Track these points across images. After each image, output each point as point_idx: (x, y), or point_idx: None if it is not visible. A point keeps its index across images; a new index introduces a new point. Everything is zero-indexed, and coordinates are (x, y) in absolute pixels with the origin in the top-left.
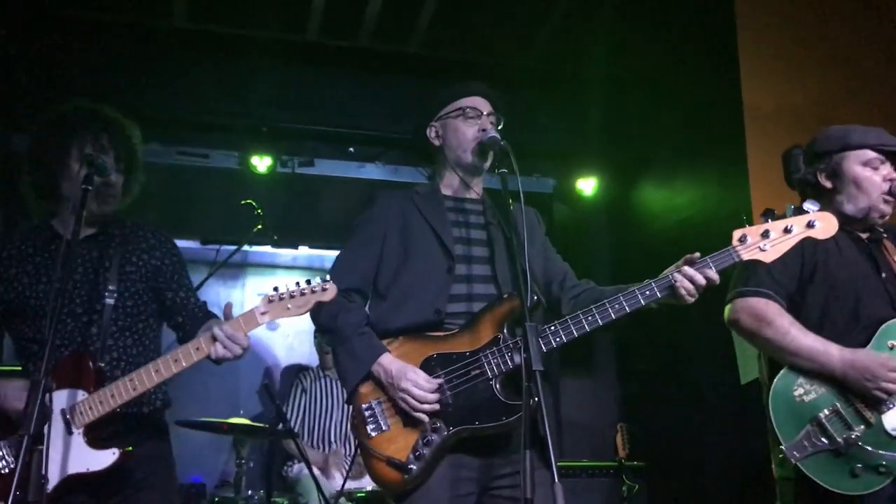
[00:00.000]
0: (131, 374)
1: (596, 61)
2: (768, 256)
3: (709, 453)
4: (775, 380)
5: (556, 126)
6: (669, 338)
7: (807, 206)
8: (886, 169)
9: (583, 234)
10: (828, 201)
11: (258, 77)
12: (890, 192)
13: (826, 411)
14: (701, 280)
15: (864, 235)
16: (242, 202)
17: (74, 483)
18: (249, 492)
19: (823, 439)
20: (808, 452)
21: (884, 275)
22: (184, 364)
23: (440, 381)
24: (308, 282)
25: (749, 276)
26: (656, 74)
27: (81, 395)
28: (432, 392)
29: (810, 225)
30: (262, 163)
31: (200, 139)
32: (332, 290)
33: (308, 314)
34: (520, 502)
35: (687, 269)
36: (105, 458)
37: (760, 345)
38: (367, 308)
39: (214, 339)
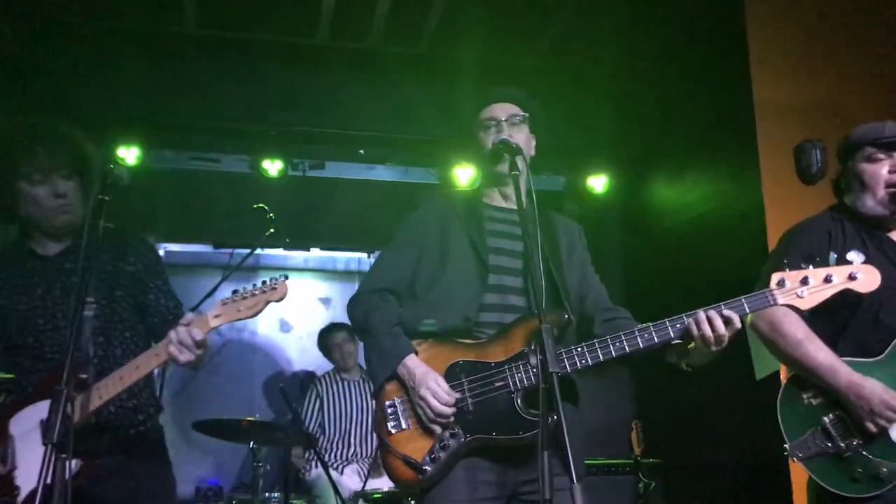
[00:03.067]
0: (98, 384)
1: (605, 58)
2: (805, 304)
3: (724, 449)
4: (787, 381)
5: (566, 123)
6: None
7: (850, 256)
8: (892, 161)
9: (594, 232)
10: (850, 203)
11: (268, 81)
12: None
13: (831, 416)
14: (721, 329)
15: (892, 236)
16: (254, 206)
17: (48, 496)
18: (267, 494)
19: (827, 442)
20: (810, 453)
21: None
22: (143, 372)
23: (458, 395)
24: (263, 282)
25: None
26: (665, 70)
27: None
28: (450, 406)
29: (852, 277)
30: (273, 166)
31: (211, 144)
32: (281, 289)
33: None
34: None
35: (721, 310)
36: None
37: (773, 352)
38: (400, 308)
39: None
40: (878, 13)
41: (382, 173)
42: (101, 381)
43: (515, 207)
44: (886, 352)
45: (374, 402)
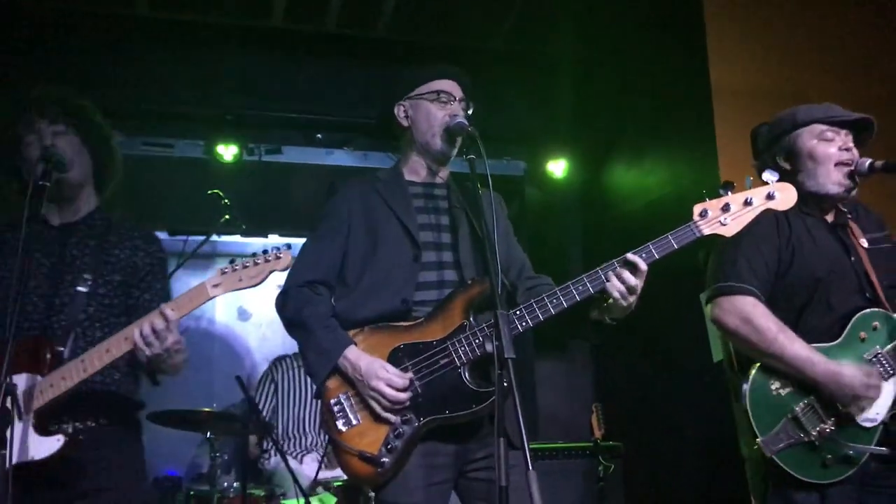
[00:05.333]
0: (82, 356)
1: (563, 42)
2: (729, 230)
3: (684, 431)
4: (753, 372)
5: (525, 108)
6: (642, 317)
7: (766, 176)
8: (841, 140)
9: (554, 217)
10: (791, 183)
11: (222, 64)
12: (845, 162)
13: (802, 405)
14: (632, 281)
15: (830, 218)
16: (209, 192)
17: (25, 474)
18: (225, 484)
19: (799, 433)
20: (782, 445)
21: (853, 258)
22: (114, 354)
23: (410, 376)
24: (265, 251)
25: (728, 269)
26: (624, 54)
27: (34, 379)
28: (405, 390)
29: (770, 196)
30: (228, 151)
31: (165, 129)
32: (286, 258)
33: (275, 308)
34: (495, 484)
35: (630, 256)
36: (50, 446)
37: (745, 347)
38: (333, 300)
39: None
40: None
41: (341, 158)
42: (85, 354)
43: (440, 182)
44: (844, 334)
45: (317, 402)
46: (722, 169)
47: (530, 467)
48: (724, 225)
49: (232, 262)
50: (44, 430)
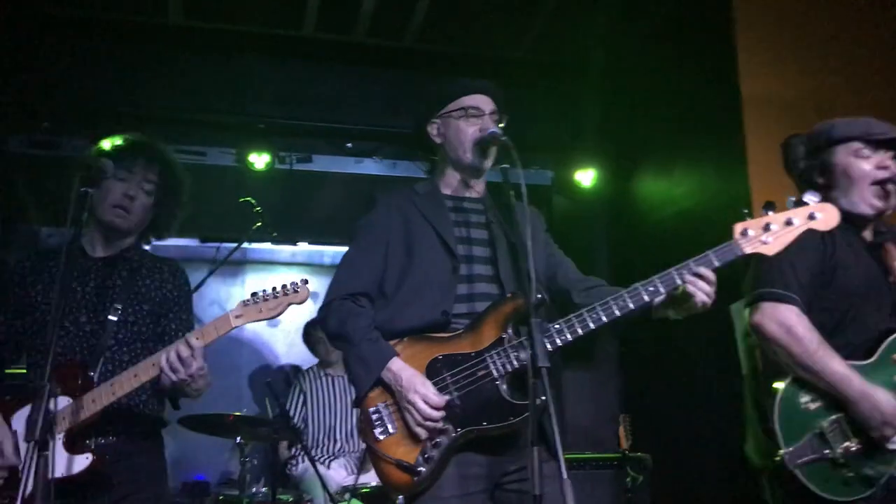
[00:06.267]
0: (111, 380)
1: (590, 52)
2: (771, 249)
3: (710, 443)
4: (785, 383)
5: (553, 117)
6: (669, 328)
7: (807, 197)
8: (878, 157)
9: (582, 226)
10: (825, 199)
11: (254, 73)
12: (882, 181)
13: (829, 421)
14: (711, 276)
15: (868, 236)
16: (241, 199)
17: (56, 488)
18: (254, 489)
19: (824, 449)
20: (807, 459)
21: (890, 279)
22: (142, 379)
23: (447, 397)
24: (284, 286)
25: (774, 275)
26: (653, 64)
27: (67, 401)
28: (439, 408)
29: (811, 217)
30: (259, 160)
31: (197, 137)
32: (303, 293)
33: (318, 321)
34: (528, 495)
35: (694, 266)
36: (80, 463)
37: (783, 356)
38: (373, 311)
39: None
40: (866, 9)
41: (370, 167)
42: (115, 377)
43: (476, 196)
44: (878, 354)
45: (356, 410)
46: (752, 180)
47: (565, 476)
48: (766, 244)
49: (254, 294)
50: (73, 448)
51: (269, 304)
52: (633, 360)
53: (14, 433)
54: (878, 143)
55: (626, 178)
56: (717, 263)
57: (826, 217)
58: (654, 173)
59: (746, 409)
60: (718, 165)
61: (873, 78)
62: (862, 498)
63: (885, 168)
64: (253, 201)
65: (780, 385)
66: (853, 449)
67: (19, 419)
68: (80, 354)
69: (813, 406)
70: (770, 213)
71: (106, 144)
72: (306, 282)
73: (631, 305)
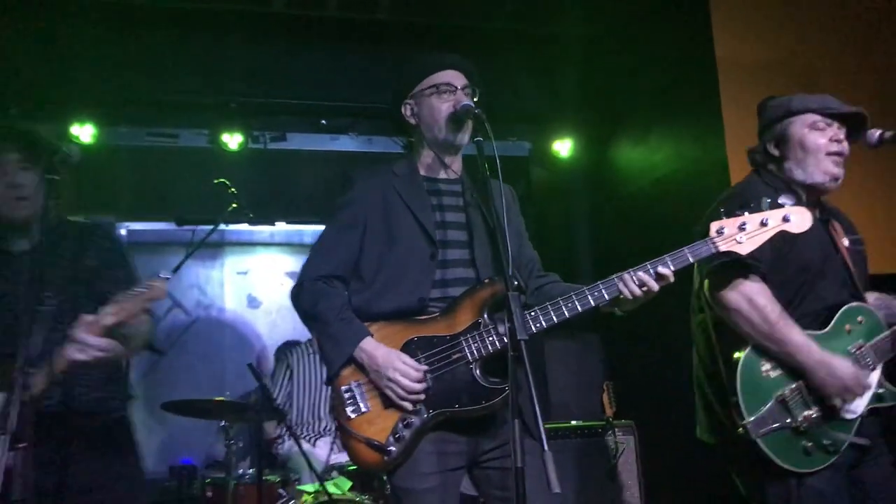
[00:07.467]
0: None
1: (567, 21)
2: (744, 248)
3: (694, 407)
4: (744, 354)
5: (530, 88)
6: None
7: (782, 199)
8: (832, 131)
9: (560, 197)
10: (779, 169)
11: (225, 53)
12: (834, 153)
13: (790, 388)
14: (654, 287)
15: (815, 213)
16: (215, 181)
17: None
18: (240, 471)
19: (786, 417)
20: (769, 428)
21: (839, 253)
22: (59, 367)
23: (425, 368)
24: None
25: None
26: (628, 31)
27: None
28: (419, 381)
29: (786, 219)
30: (232, 140)
31: (169, 119)
32: (159, 287)
33: (290, 300)
34: (510, 472)
35: (661, 268)
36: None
37: (744, 326)
38: (349, 293)
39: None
40: None
41: (346, 143)
42: (36, 374)
43: (454, 177)
44: (831, 325)
45: (328, 388)
46: (728, 144)
47: (545, 447)
48: (740, 243)
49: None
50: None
51: (127, 304)
52: (614, 327)
53: None
54: (833, 119)
55: (603, 148)
56: (691, 259)
57: (799, 220)
58: (632, 142)
59: (696, 389)
60: (695, 131)
61: (846, 40)
62: (823, 468)
63: (838, 142)
64: (227, 182)
65: (740, 354)
66: (814, 417)
67: None
68: (16, 352)
69: (774, 374)
70: (745, 213)
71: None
72: (168, 278)
73: (606, 296)
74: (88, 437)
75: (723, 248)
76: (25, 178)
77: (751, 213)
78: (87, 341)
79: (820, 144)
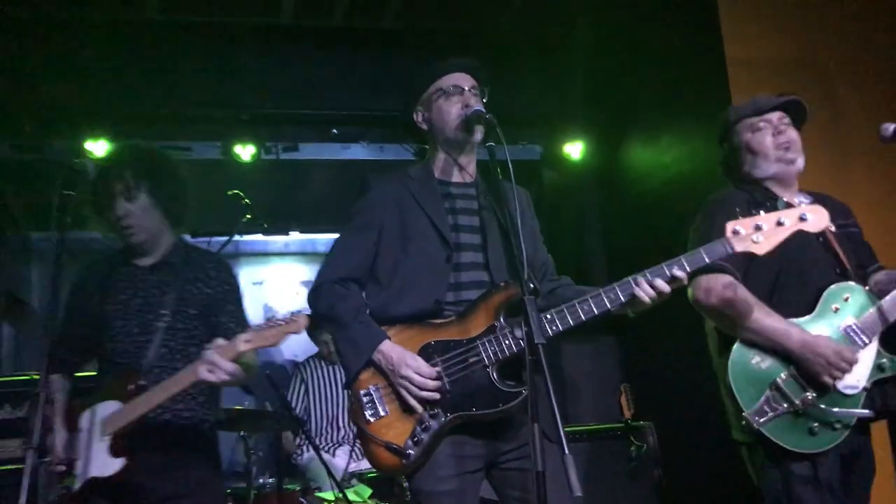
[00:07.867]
0: (153, 388)
1: (573, 21)
2: (761, 248)
3: (713, 407)
4: (732, 350)
5: (538, 91)
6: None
7: (798, 198)
8: (773, 125)
9: (572, 199)
10: (744, 174)
11: (235, 64)
12: (783, 143)
13: (783, 375)
14: (666, 290)
15: (787, 199)
16: (229, 193)
17: (97, 486)
18: (261, 480)
19: (783, 403)
20: (769, 416)
21: (820, 239)
22: (171, 391)
23: (438, 368)
24: (281, 316)
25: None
26: (636, 31)
27: (117, 405)
28: (432, 379)
29: (802, 218)
30: (245, 151)
31: (181, 132)
32: (301, 321)
33: (307, 302)
34: (529, 473)
35: (649, 276)
36: (114, 465)
37: (726, 323)
38: (365, 296)
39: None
40: None
41: (357, 152)
42: (157, 387)
43: (468, 181)
44: (818, 307)
45: (347, 392)
46: None
47: (566, 451)
48: (756, 243)
49: (258, 324)
50: (114, 451)
51: (270, 332)
52: (632, 329)
53: (78, 431)
54: (770, 112)
55: (614, 149)
56: (707, 260)
57: (816, 218)
58: (643, 142)
59: (723, 390)
60: (705, 131)
61: (855, 37)
62: (833, 447)
63: (780, 132)
64: (241, 194)
65: (729, 351)
66: (810, 398)
67: (86, 419)
68: (133, 362)
69: (765, 364)
70: (761, 213)
71: (93, 149)
72: (308, 316)
73: (622, 298)
74: (184, 449)
75: (739, 248)
76: (125, 208)
77: (766, 212)
78: (219, 364)
79: (764, 142)
